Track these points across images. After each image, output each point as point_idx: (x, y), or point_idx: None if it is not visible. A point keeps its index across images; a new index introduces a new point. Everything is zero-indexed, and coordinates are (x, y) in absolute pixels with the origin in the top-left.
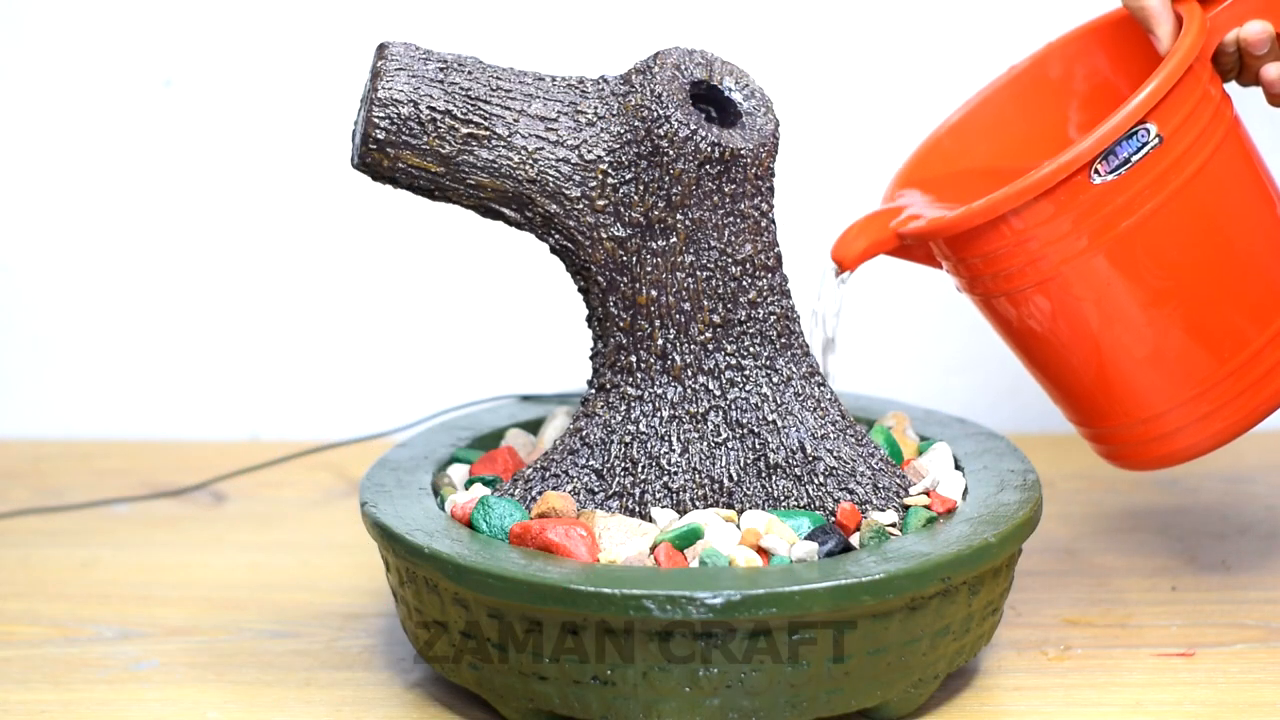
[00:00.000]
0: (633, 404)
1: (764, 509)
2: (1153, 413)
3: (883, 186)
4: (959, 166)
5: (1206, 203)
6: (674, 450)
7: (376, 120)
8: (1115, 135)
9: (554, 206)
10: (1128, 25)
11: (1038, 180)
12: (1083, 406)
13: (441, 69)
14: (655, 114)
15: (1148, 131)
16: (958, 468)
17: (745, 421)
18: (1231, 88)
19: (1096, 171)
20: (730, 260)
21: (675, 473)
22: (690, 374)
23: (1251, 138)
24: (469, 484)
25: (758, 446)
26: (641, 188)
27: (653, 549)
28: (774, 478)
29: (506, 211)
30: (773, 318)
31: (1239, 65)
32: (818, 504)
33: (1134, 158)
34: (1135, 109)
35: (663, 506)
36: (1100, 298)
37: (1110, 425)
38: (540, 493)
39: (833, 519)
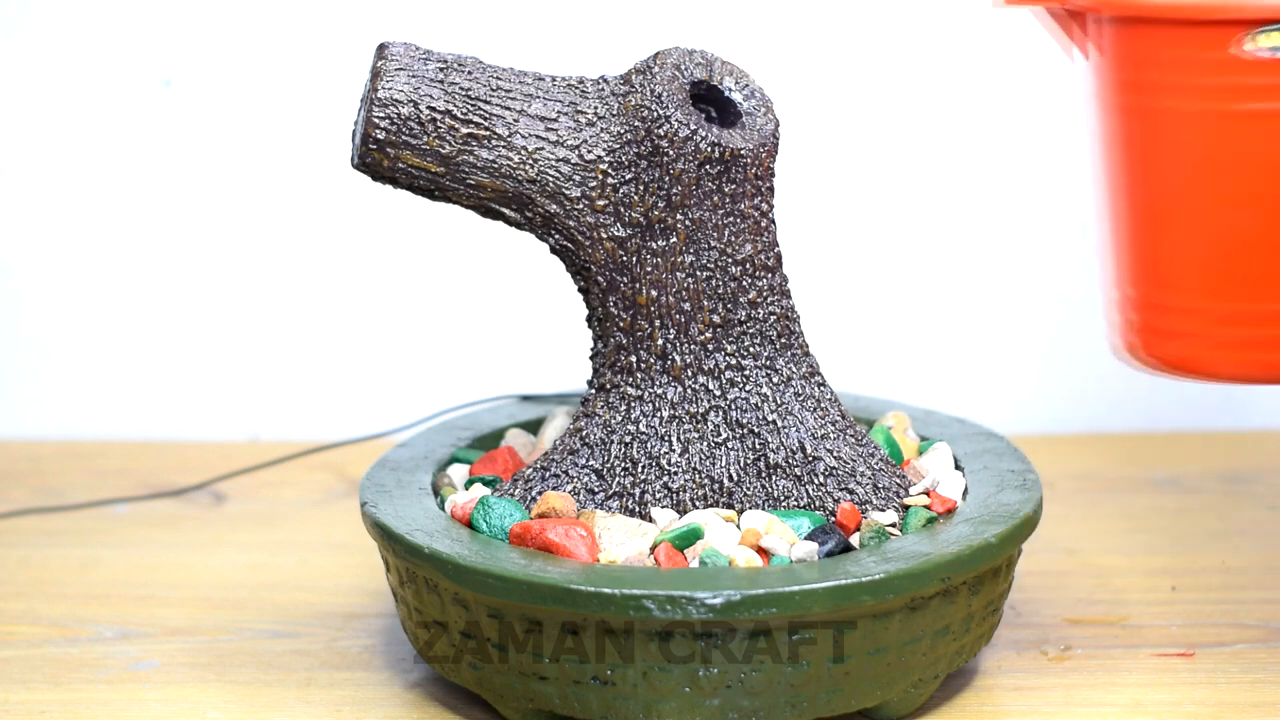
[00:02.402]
0: (633, 404)
1: (764, 509)
2: (1214, 302)
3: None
4: None
5: None
6: (674, 450)
7: (376, 120)
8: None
9: (554, 206)
10: None
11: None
12: (1147, 262)
13: (441, 69)
14: (655, 114)
15: None
16: (958, 468)
17: (745, 421)
18: None
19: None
20: (730, 260)
21: (675, 473)
22: (690, 374)
23: None
24: (469, 484)
25: (758, 446)
26: (641, 188)
27: (653, 549)
28: (774, 478)
29: (506, 211)
30: (773, 318)
31: None
32: (818, 504)
33: None
34: None
35: (663, 506)
36: (1232, 161)
37: (1159, 298)
38: (540, 493)
39: (833, 519)
